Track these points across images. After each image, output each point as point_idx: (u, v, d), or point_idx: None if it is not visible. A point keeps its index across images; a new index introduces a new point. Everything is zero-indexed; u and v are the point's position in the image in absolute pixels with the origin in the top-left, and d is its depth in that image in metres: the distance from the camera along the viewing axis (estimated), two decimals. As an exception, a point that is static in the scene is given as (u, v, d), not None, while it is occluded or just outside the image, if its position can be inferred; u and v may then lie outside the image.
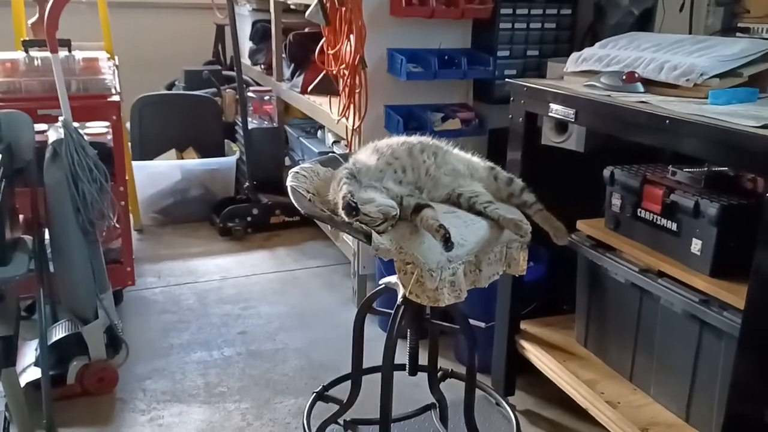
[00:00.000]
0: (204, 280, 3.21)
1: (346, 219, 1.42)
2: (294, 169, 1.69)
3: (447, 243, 1.39)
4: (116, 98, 2.66)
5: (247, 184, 3.87)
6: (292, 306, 2.97)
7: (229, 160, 4.08)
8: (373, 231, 1.42)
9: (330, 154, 1.89)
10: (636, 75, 1.83)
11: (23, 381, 2.11)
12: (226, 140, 4.31)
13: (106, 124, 2.77)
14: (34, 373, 2.16)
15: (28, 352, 2.31)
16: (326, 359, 2.52)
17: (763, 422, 1.35)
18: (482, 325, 2.36)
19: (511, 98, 2.08)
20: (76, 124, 2.25)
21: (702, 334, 1.66)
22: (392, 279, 1.65)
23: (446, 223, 1.47)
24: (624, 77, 1.84)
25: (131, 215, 3.55)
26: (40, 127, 2.51)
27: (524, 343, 2.15)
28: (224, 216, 3.76)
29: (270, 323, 2.81)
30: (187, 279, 3.22)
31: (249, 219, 3.77)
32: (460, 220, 1.53)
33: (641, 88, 1.81)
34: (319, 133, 3.78)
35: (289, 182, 1.65)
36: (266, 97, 4.11)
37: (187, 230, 3.83)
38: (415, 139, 1.68)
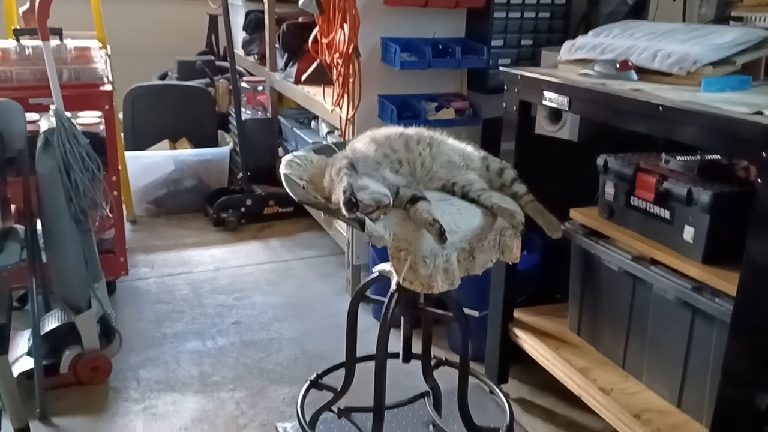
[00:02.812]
0: (198, 271, 3.20)
1: (347, 214, 1.42)
2: (287, 157, 1.68)
3: (441, 237, 1.40)
4: (108, 87, 2.65)
5: (240, 174, 3.86)
6: (286, 296, 2.97)
7: (222, 151, 4.07)
8: (366, 218, 1.42)
9: (323, 143, 1.88)
10: (630, 63, 1.83)
11: (16, 371, 2.11)
12: (219, 131, 4.30)
13: (99, 114, 2.76)
14: (27, 363, 2.15)
15: (21, 342, 2.30)
16: (320, 348, 2.53)
17: (754, 408, 1.36)
18: (476, 314, 2.36)
19: (505, 87, 2.08)
20: (68, 114, 2.24)
21: (694, 320, 1.67)
22: (386, 266, 1.65)
23: (440, 211, 1.47)
24: (618, 65, 1.84)
25: (124, 206, 3.54)
26: (32, 116, 2.51)
27: (518, 332, 2.16)
28: (218, 207, 3.75)
29: (264, 313, 2.80)
30: (181, 269, 3.21)
31: (243, 210, 3.77)
32: (453, 207, 1.53)
33: (635, 77, 1.82)
34: (313, 123, 3.77)
35: (283, 170, 1.65)
36: (260, 88, 4.09)
37: (181, 221, 3.82)
38: (411, 130, 1.67)
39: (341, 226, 3.02)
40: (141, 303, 2.86)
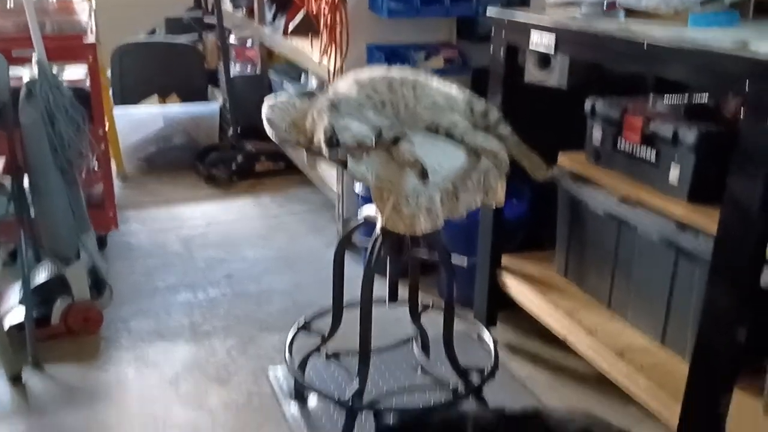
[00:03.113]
0: (189, 226, 3.20)
1: (328, 153, 1.41)
2: (270, 102, 1.67)
3: (423, 176, 1.40)
4: (92, 39, 2.61)
5: (231, 131, 3.84)
6: (278, 250, 2.97)
7: (212, 107, 4.04)
8: (349, 158, 1.42)
9: (307, 89, 1.87)
10: (617, 4, 1.81)
11: (7, 323, 2.12)
12: (210, 86, 4.26)
13: (83, 69, 2.73)
14: (19, 315, 2.16)
15: (12, 296, 2.30)
16: (311, 300, 2.53)
17: (733, 341, 1.37)
18: (464, 262, 2.37)
19: (492, 31, 2.05)
20: (54, 70, 2.21)
21: (678, 260, 1.68)
22: (371, 210, 1.65)
23: (422, 151, 1.47)
24: (605, 6, 1.82)
25: (114, 163, 3.53)
26: (16, 71, 2.48)
27: (505, 276, 2.17)
28: (208, 163, 3.74)
29: (255, 266, 2.81)
30: (172, 225, 3.21)
31: (233, 166, 3.75)
32: (436, 147, 1.52)
33: (622, 17, 1.79)
34: (303, 77, 3.74)
35: (266, 114, 1.64)
36: (248, 44, 4.04)
37: (172, 178, 3.80)
38: (395, 72, 1.65)
39: (330, 178, 3.02)
40: (132, 257, 2.87)
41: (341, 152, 1.41)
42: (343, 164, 1.41)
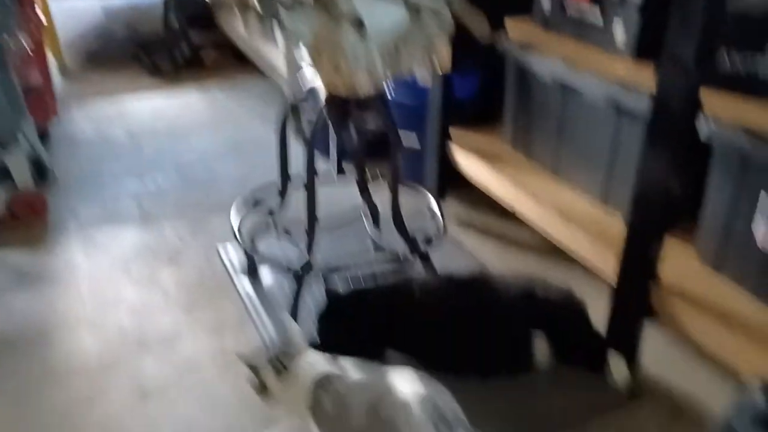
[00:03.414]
0: (135, 118, 3.12)
1: (261, 8, 1.36)
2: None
3: (361, 31, 1.35)
4: None
5: (175, 21, 3.68)
6: (226, 138, 2.92)
7: (154, -3, 3.85)
8: (284, 12, 1.36)
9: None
10: None
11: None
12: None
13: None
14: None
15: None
16: (261, 185, 2.51)
17: (666, 193, 1.41)
18: (417, 144, 2.36)
19: None
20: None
21: (621, 121, 1.69)
22: (315, 80, 1.61)
23: (362, 6, 1.42)
24: None
25: (54, 56, 3.38)
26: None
27: (455, 149, 2.16)
28: (154, 55, 3.60)
29: (204, 155, 2.77)
30: (118, 117, 3.12)
31: (179, 57, 3.63)
32: (376, 4, 1.47)
33: None
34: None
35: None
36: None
37: (115, 70, 3.67)
38: None
39: (277, 62, 2.94)
40: (77, 149, 2.79)
41: (276, 6, 1.36)
42: (278, 19, 1.36)
